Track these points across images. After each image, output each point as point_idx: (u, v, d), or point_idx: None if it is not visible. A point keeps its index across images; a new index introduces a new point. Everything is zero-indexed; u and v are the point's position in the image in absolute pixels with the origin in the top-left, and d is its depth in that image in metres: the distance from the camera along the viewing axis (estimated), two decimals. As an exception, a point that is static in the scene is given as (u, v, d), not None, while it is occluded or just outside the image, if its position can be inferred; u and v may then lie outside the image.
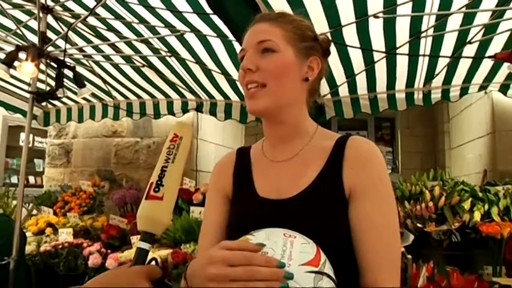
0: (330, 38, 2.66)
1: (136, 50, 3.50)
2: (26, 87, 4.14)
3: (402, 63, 3.18)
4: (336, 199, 0.91)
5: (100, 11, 2.92)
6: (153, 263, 0.76)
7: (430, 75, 3.34)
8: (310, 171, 0.96)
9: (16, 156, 7.35)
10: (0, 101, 4.31)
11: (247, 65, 0.95)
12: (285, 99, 0.97)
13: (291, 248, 0.72)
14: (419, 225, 2.83)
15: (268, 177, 1.01)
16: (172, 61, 3.56)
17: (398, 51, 2.92)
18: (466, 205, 2.87)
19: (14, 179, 7.11)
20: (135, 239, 3.44)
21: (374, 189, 0.90)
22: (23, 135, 7.55)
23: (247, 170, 1.07)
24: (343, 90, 3.72)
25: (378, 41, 2.83)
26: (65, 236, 3.51)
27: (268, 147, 1.06)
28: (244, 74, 0.97)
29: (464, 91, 3.50)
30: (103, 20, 3.09)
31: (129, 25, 3.09)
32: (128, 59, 3.68)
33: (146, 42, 3.32)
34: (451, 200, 2.90)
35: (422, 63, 3.15)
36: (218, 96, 4.15)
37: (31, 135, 7.59)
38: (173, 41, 3.20)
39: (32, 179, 7.65)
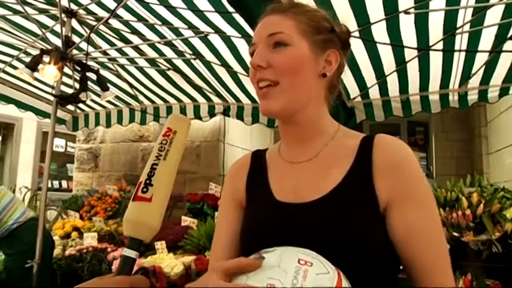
0: (359, 36, 2.58)
1: (160, 53, 3.47)
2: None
3: (436, 63, 3.00)
4: (367, 206, 0.81)
5: (122, 13, 2.90)
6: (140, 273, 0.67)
7: (466, 75, 3.14)
8: (334, 173, 0.86)
9: (50, 161, 7.49)
10: (31, 106, 4.39)
11: (257, 61, 0.86)
12: (301, 97, 0.88)
13: (303, 281, 0.60)
14: (455, 234, 2.65)
15: (286, 179, 0.92)
16: (198, 64, 3.51)
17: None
18: (509, 213, 2.66)
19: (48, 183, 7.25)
20: (159, 245, 3.39)
21: (415, 194, 0.82)
22: (56, 141, 7.74)
23: (262, 172, 0.97)
24: (374, 93, 3.57)
25: (409, 39, 2.68)
26: (90, 240, 3.50)
27: (285, 148, 0.97)
28: (255, 71, 0.88)
29: (504, 91, 3.27)
30: (126, 23, 3.07)
31: (152, 27, 3.05)
32: (152, 62, 3.66)
33: (170, 44, 3.29)
34: (491, 207, 2.70)
35: (458, 62, 2.97)
36: (245, 100, 4.07)
37: (64, 141, 7.80)
38: (197, 42, 3.15)
39: (64, 184, 7.81)
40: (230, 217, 0.99)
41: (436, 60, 2.96)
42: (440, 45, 2.72)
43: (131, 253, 0.64)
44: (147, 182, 0.66)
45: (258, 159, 1.02)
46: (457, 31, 2.54)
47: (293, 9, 0.91)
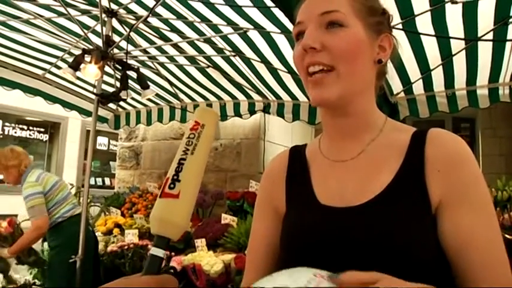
0: (402, 28, 2.47)
1: (200, 51, 3.47)
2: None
3: (485, 55, 2.84)
4: (419, 210, 0.74)
5: (162, 11, 2.92)
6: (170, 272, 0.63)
7: (519, 67, 2.97)
8: (383, 174, 0.78)
9: (94, 159, 7.75)
10: (75, 105, 4.53)
11: (310, 42, 0.77)
12: (357, 86, 0.80)
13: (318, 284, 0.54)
14: (507, 236, 2.50)
15: (330, 180, 0.84)
16: (237, 61, 3.49)
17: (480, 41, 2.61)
18: None
19: (91, 181, 7.49)
20: (199, 243, 3.39)
21: (473, 195, 0.73)
22: (100, 139, 7.97)
23: (303, 172, 0.90)
24: (418, 88, 3.43)
25: (456, 30, 2.55)
26: (131, 237, 3.54)
27: (328, 144, 0.89)
28: (304, 54, 0.79)
29: (561, 84, 3.07)
30: (165, 21, 3.09)
31: (191, 25, 3.06)
32: (192, 60, 3.67)
33: (210, 42, 3.28)
34: (546, 208, 2.54)
35: (510, 53, 2.79)
36: (285, 97, 4.02)
37: (107, 139, 8.03)
38: (237, 39, 3.13)
39: (107, 181, 8.04)
40: (266, 225, 0.93)
41: (485, 52, 2.80)
42: (490, 36, 2.57)
43: (158, 252, 0.61)
44: (175, 177, 0.63)
45: (297, 156, 0.95)
46: (510, 20, 2.38)
47: None
